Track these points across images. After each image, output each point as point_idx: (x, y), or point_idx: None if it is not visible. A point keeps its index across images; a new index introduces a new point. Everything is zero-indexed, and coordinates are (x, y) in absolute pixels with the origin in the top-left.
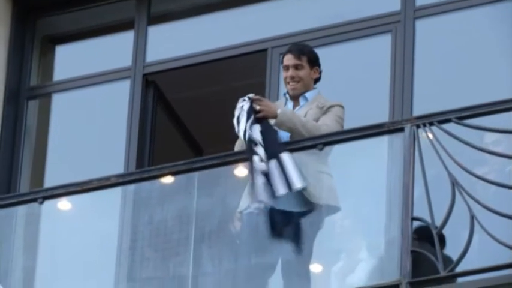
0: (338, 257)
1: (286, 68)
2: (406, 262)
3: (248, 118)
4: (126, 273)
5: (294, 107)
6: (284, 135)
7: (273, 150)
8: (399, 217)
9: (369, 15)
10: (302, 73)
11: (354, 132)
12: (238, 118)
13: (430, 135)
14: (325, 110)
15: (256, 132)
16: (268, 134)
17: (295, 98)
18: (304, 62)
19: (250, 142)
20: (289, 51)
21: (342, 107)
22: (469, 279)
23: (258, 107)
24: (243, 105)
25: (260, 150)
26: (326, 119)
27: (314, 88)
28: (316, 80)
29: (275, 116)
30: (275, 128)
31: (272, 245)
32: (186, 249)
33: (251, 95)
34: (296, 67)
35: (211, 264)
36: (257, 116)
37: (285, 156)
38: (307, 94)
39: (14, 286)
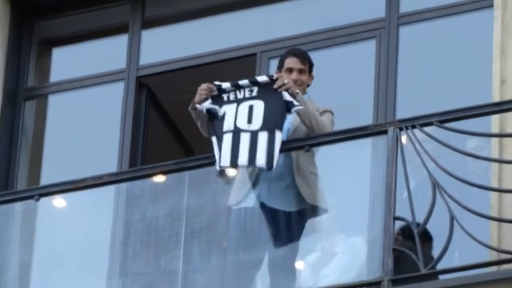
0: (321, 254)
1: (290, 70)
2: (388, 260)
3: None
4: (118, 269)
5: None
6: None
7: (275, 123)
8: (382, 216)
9: (354, 22)
10: (304, 78)
11: (339, 134)
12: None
13: (412, 138)
14: (320, 114)
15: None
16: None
17: None
18: (306, 67)
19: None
20: (294, 55)
21: (332, 113)
22: (450, 276)
23: (282, 82)
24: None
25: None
26: (325, 120)
27: (306, 93)
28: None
29: (297, 92)
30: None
31: (259, 241)
32: (177, 246)
33: (271, 75)
34: (300, 71)
35: (201, 260)
36: (286, 88)
37: (278, 136)
38: None
39: (10, 280)
